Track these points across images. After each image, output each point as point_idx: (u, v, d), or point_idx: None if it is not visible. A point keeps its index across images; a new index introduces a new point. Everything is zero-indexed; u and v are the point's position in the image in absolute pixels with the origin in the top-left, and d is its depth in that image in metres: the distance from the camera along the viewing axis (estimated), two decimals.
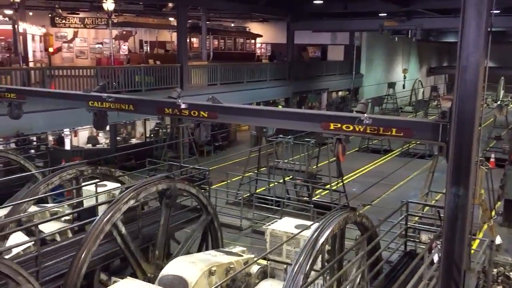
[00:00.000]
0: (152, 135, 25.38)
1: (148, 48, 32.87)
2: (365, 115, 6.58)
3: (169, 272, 8.32)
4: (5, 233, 8.64)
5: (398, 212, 9.95)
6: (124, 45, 34.02)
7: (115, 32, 31.50)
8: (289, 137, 18.19)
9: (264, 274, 9.23)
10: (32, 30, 28.89)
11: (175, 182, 9.99)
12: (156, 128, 25.63)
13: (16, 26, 26.32)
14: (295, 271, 7.01)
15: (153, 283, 8.23)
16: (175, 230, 10.96)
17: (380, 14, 29.83)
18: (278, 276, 9.31)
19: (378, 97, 36.62)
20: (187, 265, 8.43)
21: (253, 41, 34.60)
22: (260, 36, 36.26)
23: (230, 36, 31.97)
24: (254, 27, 38.96)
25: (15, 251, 8.59)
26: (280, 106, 30.47)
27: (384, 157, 26.63)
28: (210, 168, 14.39)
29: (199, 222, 10.81)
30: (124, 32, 33.95)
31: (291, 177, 17.60)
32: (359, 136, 7.16)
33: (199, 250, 10.85)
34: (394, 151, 27.25)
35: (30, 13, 30.09)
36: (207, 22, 29.32)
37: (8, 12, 27.21)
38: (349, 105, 35.33)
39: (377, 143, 27.78)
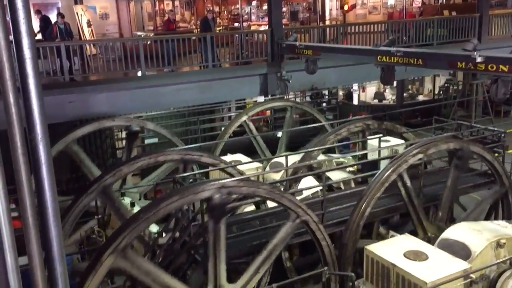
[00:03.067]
0: (441, 92, 24.10)
1: None
2: None
3: (450, 236, 7.87)
4: (298, 176, 9.70)
5: None
6: None
7: None
8: None
9: None
10: None
11: (468, 143, 9.23)
12: (446, 85, 24.18)
13: None
14: None
15: (432, 244, 7.95)
16: (460, 194, 10.31)
17: None
18: None
19: None
20: (471, 232, 7.81)
21: None
22: None
23: None
24: None
25: (305, 193, 9.59)
26: None
27: None
28: (507, 131, 12.76)
29: (491, 192, 9.81)
30: None
31: None
32: None
33: (486, 219, 9.94)
34: None
35: None
36: None
37: None
38: None
39: None
